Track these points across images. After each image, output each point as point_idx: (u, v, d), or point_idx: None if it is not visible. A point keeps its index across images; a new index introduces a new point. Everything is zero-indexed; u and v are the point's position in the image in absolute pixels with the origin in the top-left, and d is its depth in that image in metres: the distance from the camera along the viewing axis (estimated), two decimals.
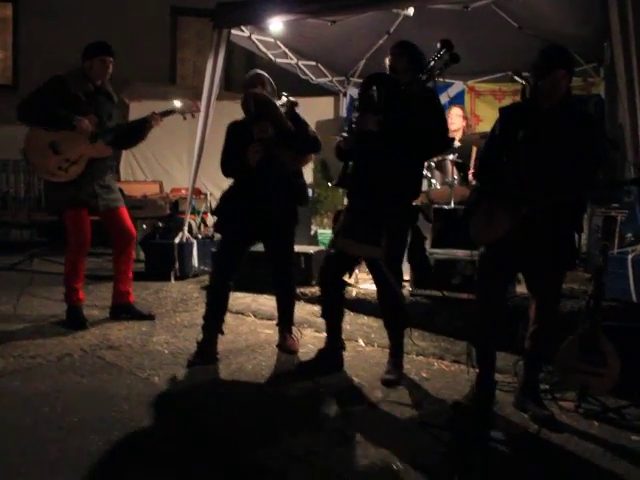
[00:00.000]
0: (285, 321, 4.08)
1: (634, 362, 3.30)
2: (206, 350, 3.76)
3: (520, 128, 3.07)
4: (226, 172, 3.90)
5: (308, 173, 8.46)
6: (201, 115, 5.93)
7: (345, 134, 3.46)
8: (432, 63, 3.33)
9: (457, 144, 5.89)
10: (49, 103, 4.07)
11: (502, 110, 3.26)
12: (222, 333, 3.91)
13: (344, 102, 8.32)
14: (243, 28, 5.83)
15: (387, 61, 3.52)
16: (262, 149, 3.67)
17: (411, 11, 5.01)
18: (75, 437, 2.67)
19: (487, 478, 2.55)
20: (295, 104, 3.95)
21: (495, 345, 3.30)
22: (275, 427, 2.91)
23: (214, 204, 7.54)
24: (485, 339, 3.27)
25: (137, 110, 7.88)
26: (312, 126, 3.97)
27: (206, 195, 7.40)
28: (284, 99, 3.97)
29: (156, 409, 3.03)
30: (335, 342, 3.72)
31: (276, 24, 5.41)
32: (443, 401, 3.32)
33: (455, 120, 6.02)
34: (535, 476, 2.61)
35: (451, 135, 5.96)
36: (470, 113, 7.59)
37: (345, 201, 3.73)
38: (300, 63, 7.15)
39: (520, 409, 3.23)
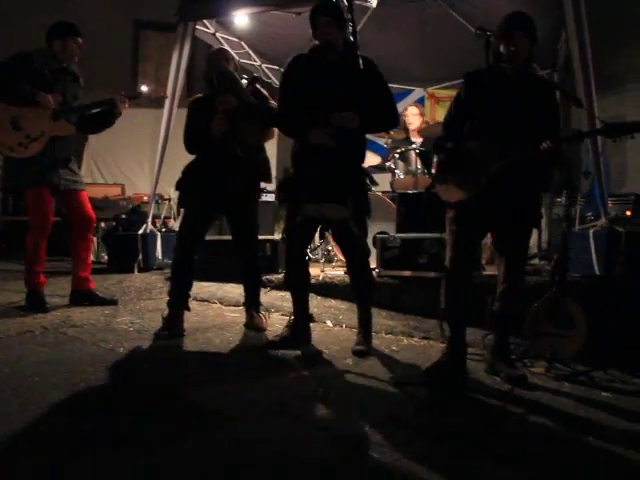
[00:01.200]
0: (252, 300, 4.03)
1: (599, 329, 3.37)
2: (173, 324, 3.67)
3: (486, 93, 3.14)
4: (190, 147, 3.85)
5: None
6: (165, 111, 5.94)
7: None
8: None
9: (419, 140, 5.98)
10: (13, 77, 3.99)
11: (467, 76, 3.30)
12: (188, 309, 3.84)
13: None
14: (208, 25, 5.87)
15: (317, 34, 3.33)
16: (226, 121, 3.66)
17: (374, 2, 5.10)
18: (37, 393, 2.56)
19: (464, 425, 2.52)
20: (256, 78, 3.97)
21: (466, 304, 3.28)
22: (243, 385, 2.86)
23: (176, 209, 7.52)
24: (456, 299, 3.25)
25: None
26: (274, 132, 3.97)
27: (169, 200, 7.30)
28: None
29: (121, 371, 2.95)
30: (303, 315, 3.67)
31: (241, 17, 5.45)
32: (416, 367, 3.30)
33: (412, 120, 6.05)
34: (513, 422, 2.61)
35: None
36: (430, 119, 7.74)
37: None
38: (264, 66, 7.19)
39: (492, 373, 3.23)
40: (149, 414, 2.42)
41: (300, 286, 3.66)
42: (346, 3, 3.37)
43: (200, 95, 3.96)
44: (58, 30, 4.18)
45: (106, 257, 6.49)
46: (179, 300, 3.77)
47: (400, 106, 7.55)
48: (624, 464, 2.20)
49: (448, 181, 3.23)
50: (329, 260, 5.61)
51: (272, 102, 3.87)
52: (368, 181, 3.68)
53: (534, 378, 3.19)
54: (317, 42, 3.38)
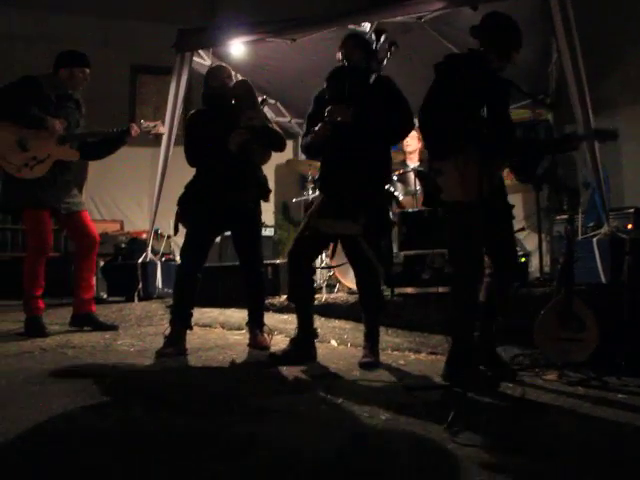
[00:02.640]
0: (256, 320, 3.95)
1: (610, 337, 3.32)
2: (175, 343, 3.58)
3: (479, 86, 3.05)
4: (193, 160, 3.84)
5: (269, 216, 8.46)
6: (162, 146, 5.96)
7: (316, 128, 3.45)
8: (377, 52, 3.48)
9: (416, 163, 6.01)
10: (22, 99, 4.00)
11: (453, 63, 3.14)
12: (191, 328, 3.76)
13: None
14: (204, 56, 5.94)
15: (340, 55, 3.55)
16: (247, 135, 3.66)
17: (367, 26, 5.19)
18: (36, 400, 2.47)
19: (484, 424, 2.44)
20: (265, 100, 4.00)
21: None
22: (250, 392, 2.79)
23: (174, 246, 7.47)
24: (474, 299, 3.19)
25: None
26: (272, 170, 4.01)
27: (168, 237, 7.23)
28: None
29: (124, 380, 2.87)
30: (307, 330, 3.58)
31: (237, 47, 5.53)
32: (425, 377, 3.24)
33: (410, 142, 6.11)
34: (531, 419, 2.55)
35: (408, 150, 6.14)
36: None
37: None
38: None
39: None
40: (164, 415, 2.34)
41: (304, 297, 3.59)
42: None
43: (200, 108, 3.96)
44: (67, 58, 4.21)
45: (105, 296, 6.38)
46: (182, 318, 3.70)
47: None
48: None
49: (453, 177, 3.16)
50: (330, 289, 5.53)
51: (274, 125, 3.92)
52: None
53: (547, 385, 3.12)
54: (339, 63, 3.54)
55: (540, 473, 1.94)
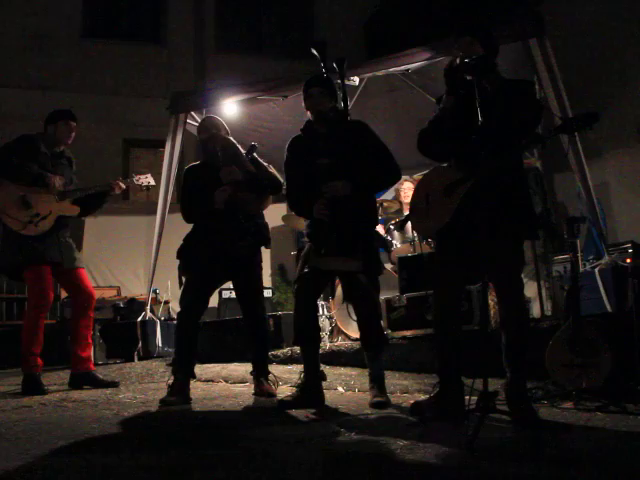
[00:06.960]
0: (261, 368, 3.85)
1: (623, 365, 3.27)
2: (179, 391, 3.48)
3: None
4: (189, 216, 3.86)
5: (266, 278, 8.41)
6: (159, 204, 6.00)
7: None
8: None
9: None
10: (21, 158, 4.06)
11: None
12: (194, 376, 3.68)
13: None
14: (198, 119, 6.06)
15: (308, 103, 3.49)
16: (230, 192, 3.69)
17: (357, 80, 5.33)
18: (37, 442, 2.37)
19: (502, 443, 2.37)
20: (254, 147, 4.04)
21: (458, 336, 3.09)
22: (261, 430, 2.68)
23: (172, 312, 7.38)
24: (445, 328, 3.08)
25: (92, 225, 7.88)
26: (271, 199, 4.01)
27: (166, 302, 7.14)
28: None
29: (127, 426, 2.76)
30: (314, 373, 3.47)
31: (230, 107, 5.65)
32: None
33: (409, 193, 6.20)
34: (554, 438, 2.48)
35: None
36: None
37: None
38: None
39: None
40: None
41: (309, 338, 3.49)
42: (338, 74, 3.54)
43: (195, 163, 4.02)
44: (51, 115, 4.31)
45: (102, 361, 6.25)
46: (185, 366, 3.62)
47: (388, 194, 7.73)
48: None
49: (420, 209, 3.15)
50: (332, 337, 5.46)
51: (271, 169, 3.94)
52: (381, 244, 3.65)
53: (564, 412, 3.04)
54: (309, 116, 3.52)
55: None
